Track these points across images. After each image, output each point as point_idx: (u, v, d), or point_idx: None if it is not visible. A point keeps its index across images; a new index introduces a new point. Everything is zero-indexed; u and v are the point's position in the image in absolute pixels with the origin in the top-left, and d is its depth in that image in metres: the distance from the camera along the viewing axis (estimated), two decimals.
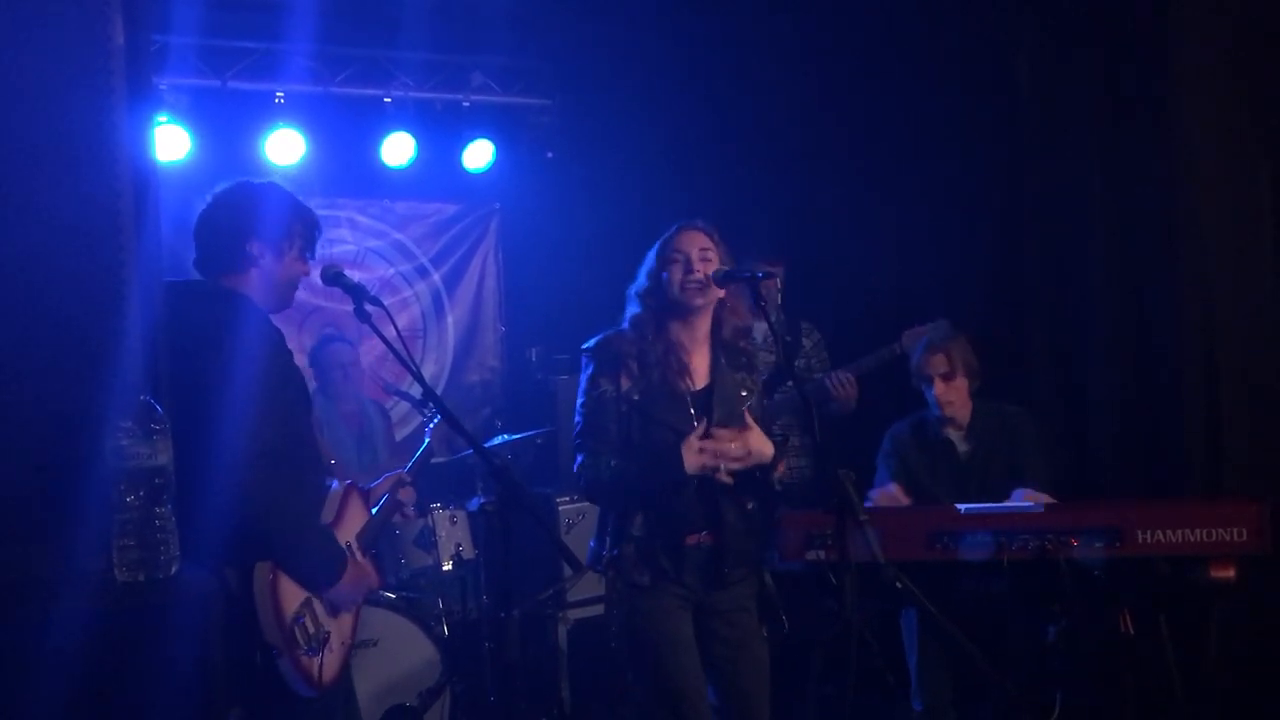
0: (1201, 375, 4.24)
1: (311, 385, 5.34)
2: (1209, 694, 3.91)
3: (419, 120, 6.21)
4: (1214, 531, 3.36)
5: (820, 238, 5.63)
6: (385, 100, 6.11)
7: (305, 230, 2.97)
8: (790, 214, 5.80)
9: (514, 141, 6.61)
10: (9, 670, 1.71)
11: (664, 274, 3.24)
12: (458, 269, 6.85)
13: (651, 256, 3.30)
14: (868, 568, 2.92)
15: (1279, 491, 3.62)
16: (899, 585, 3.00)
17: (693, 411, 3.20)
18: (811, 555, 3.46)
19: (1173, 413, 4.34)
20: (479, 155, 6.47)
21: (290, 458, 2.73)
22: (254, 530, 2.62)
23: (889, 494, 4.00)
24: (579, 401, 3.26)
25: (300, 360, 5.56)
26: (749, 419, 3.20)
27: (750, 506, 3.24)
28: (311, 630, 2.74)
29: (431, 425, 4.41)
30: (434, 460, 4.46)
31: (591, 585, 4.43)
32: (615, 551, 3.19)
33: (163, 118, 5.44)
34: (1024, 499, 3.78)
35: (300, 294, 3.05)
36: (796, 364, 5.03)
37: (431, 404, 4.08)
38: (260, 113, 5.86)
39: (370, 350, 5.85)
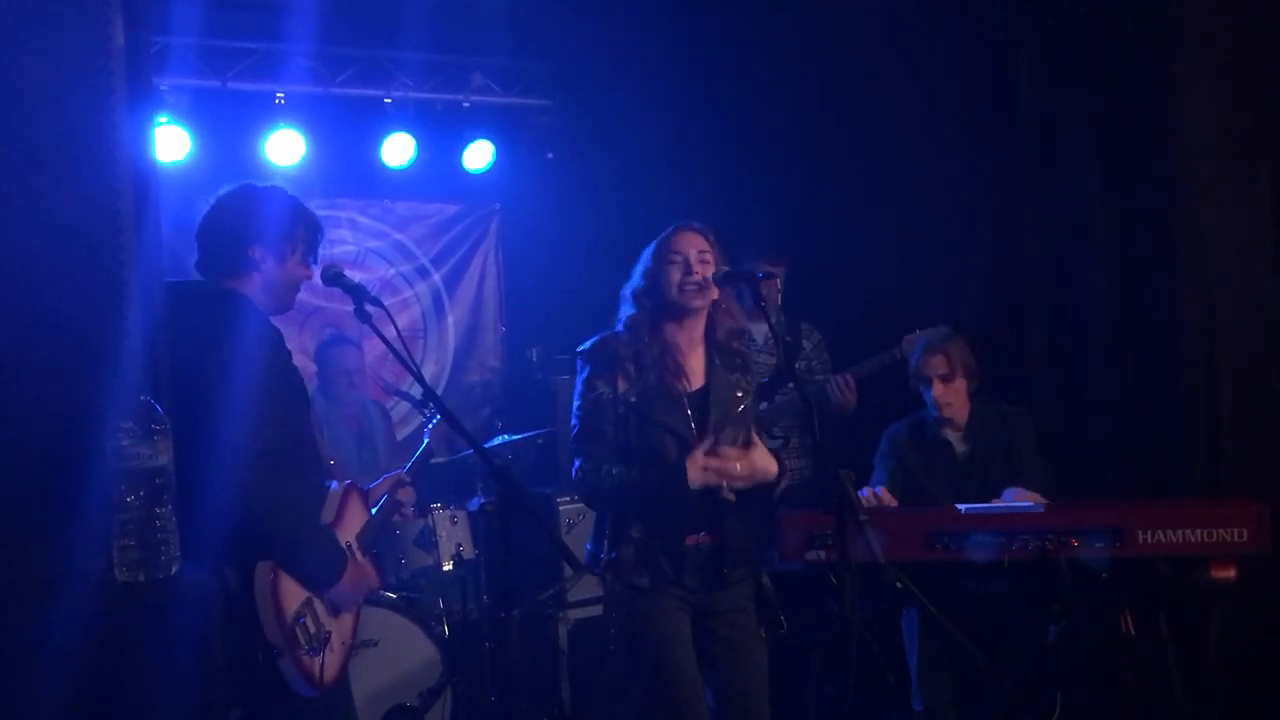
0: (1201, 375, 4.25)
1: (313, 385, 5.37)
2: (1209, 694, 3.91)
3: (419, 121, 6.21)
4: (1214, 532, 3.36)
5: (820, 238, 5.63)
6: (385, 101, 6.11)
7: (308, 235, 2.97)
8: (790, 214, 5.80)
9: (514, 142, 6.61)
10: (9, 670, 1.71)
11: (661, 274, 3.23)
12: (458, 269, 6.85)
13: (648, 256, 3.29)
14: (868, 568, 2.92)
15: (1279, 492, 3.62)
16: (899, 585, 3.00)
17: (689, 413, 3.20)
18: (812, 555, 3.46)
19: (1173, 413, 4.34)
20: (479, 156, 6.46)
21: (290, 458, 2.73)
22: (254, 530, 2.62)
23: (876, 495, 3.98)
24: (575, 405, 3.25)
25: (301, 360, 5.58)
26: (755, 437, 3.19)
27: (749, 508, 3.24)
28: (313, 630, 2.74)
29: (430, 425, 4.41)
30: (434, 460, 4.46)
31: (592, 585, 4.42)
32: (614, 554, 3.19)
33: (163, 118, 5.44)
34: (1015, 499, 3.78)
35: (301, 294, 3.06)
36: (797, 366, 5.03)
37: (432, 404, 4.08)
38: (260, 113, 5.86)
39: (370, 350, 5.85)
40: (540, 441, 5.33)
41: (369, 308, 2.98)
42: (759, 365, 5.11)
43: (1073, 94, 4.70)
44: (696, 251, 3.23)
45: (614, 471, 3.13)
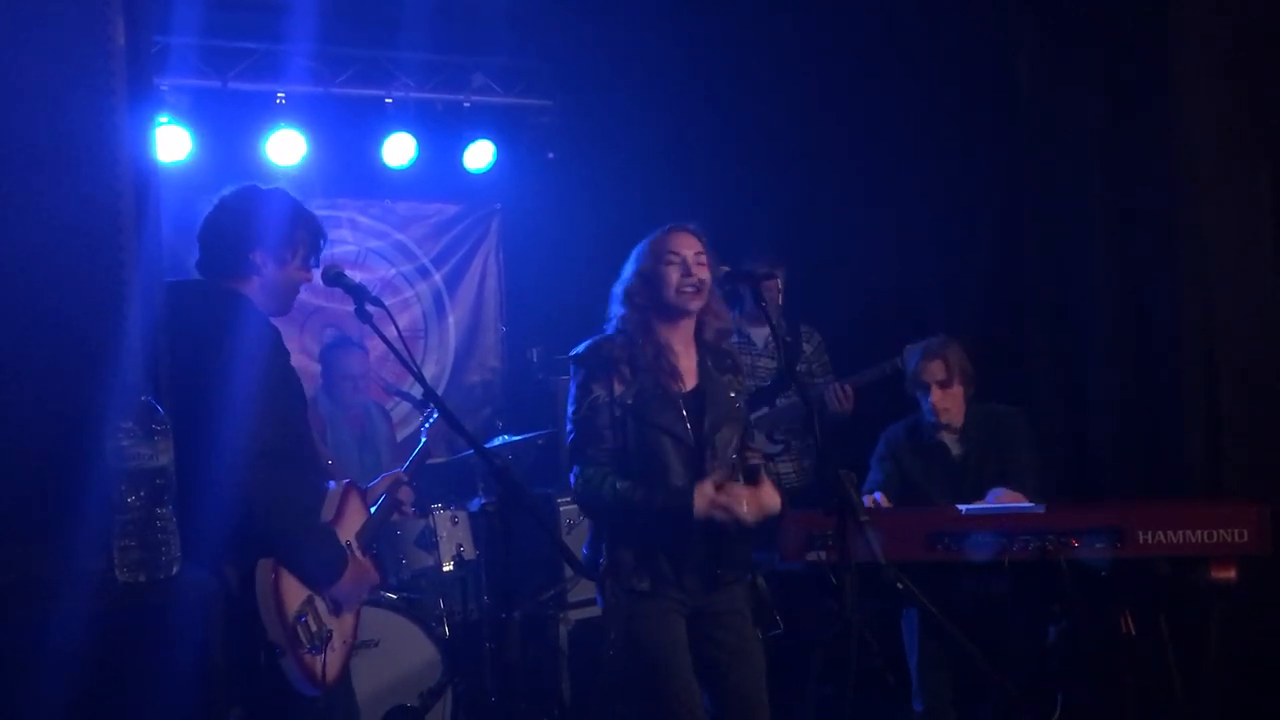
0: (1201, 375, 4.25)
1: (316, 385, 5.38)
2: (1209, 694, 3.91)
3: (420, 121, 6.21)
4: (1215, 532, 3.36)
5: (820, 238, 5.63)
6: (386, 101, 6.11)
7: (309, 238, 2.97)
8: (790, 214, 5.80)
9: (515, 142, 6.61)
10: (9, 670, 1.71)
11: (658, 275, 3.21)
12: (459, 269, 6.85)
13: (642, 256, 3.28)
14: (868, 568, 2.92)
15: (1279, 492, 3.62)
16: (900, 586, 3.00)
17: (685, 414, 3.20)
18: (812, 556, 3.47)
19: (1173, 413, 4.34)
20: (480, 156, 6.47)
21: (290, 457, 2.73)
22: (255, 529, 2.63)
23: (876, 501, 3.98)
24: (570, 410, 3.24)
25: (302, 361, 5.59)
26: (763, 477, 3.19)
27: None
28: (314, 629, 2.74)
29: (427, 425, 4.41)
30: (434, 461, 4.46)
31: (592, 586, 4.42)
32: (613, 558, 3.18)
33: (164, 118, 5.44)
34: (998, 499, 3.79)
35: (302, 295, 3.06)
36: (798, 368, 5.03)
37: (432, 405, 4.08)
38: (261, 113, 5.86)
39: (371, 351, 5.85)
40: (541, 442, 5.33)
41: (370, 308, 2.98)
42: (759, 369, 5.12)
43: (1073, 94, 4.70)
44: (693, 253, 3.22)
45: (617, 486, 3.11)
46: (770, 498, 3.17)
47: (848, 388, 4.85)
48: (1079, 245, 4.71)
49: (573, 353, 3.28)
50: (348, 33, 5.76)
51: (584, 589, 4.83)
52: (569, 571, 4.78)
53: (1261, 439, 4.15)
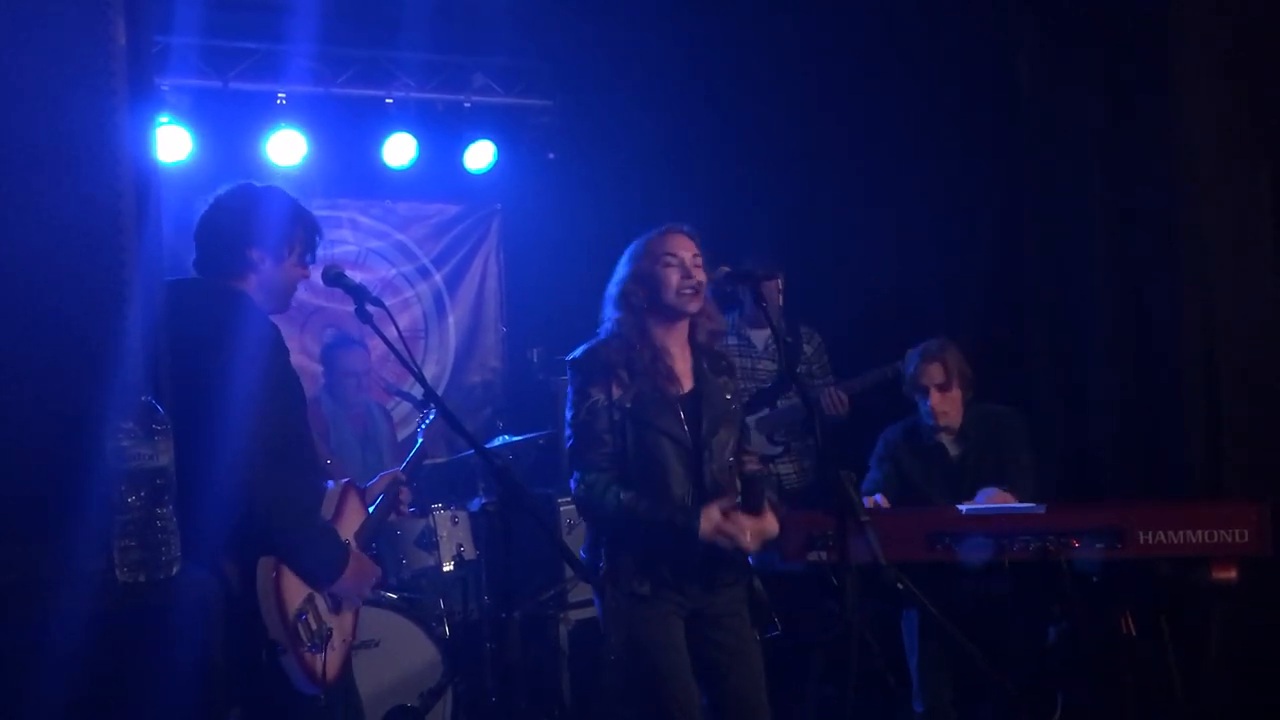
0: (1201, 375, 4.24)
1: (318, 385, 5.38)
2: (1209, 695, 3.91)
3: (420, 121, 6.21)
4: (1215, 533, 3.36)
5: (820, 238, 5.63)
6: (387, 101, 6.11)
7: (305, 235, 2.97)
8: (790, 214, 5.80)
9: (515, 142, 6.61)
10: (9, 670, 1.71)
11: (657, 276, 3.20)
12: (459, 270, 6.85)
13: (637, 257, 3.26)
14: (869, 569, 2.92)
15: (1279, 492, 3.62)
16: (900, 586, 3.00)
17: (682, 416, 3.19)
18: (813, 556, 3.47)
19: (1173, 413, 4.34)
20: (480, 156, 6.47)
21: (290, 456, 2.73)
22: (256, 528, 2.63)
23: (876, 504, 3.98)
24: (569, 416, 3.22)
25: (302, 361, 5.59)
26: (766, 508, 3.19)
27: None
28: (314, 627, 2.74)
29: (424, 426, 4.41)
30: (434, 461, 4.46)
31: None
32: (613, 563, 3.17)
33: (164, 118, 5.44)
34: (989, 500, 3.79)
35: (302, 295, 3.06)
36: (798, 369, 5.03)
37: (433, 405, 4.08)
38: (262, 113, 5.86)
39: (371, 351, 5.85)
40: (541, 442, 5.33)
41: (370, 308, 2.98)
42: (759, 372, 5.12)
43: (1073, 94, 4.70)
44: (691, 255, 3.22)
45: (621, 496, 3.10)
46: (771, 526, 3.18)
47: (842, 394, 4.85)
48: (1079, 245, 4.71)
49: (568, 358, 3.27)
50: (348, 33, 5.76)
51: (584, 589, 4.83)
52: (569, 572, 4.78)
53: (1261, 439, 4.15)
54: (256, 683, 2.67)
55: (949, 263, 5.11)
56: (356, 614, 3.03)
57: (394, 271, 6.65)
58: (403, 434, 5.93)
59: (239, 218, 2.88)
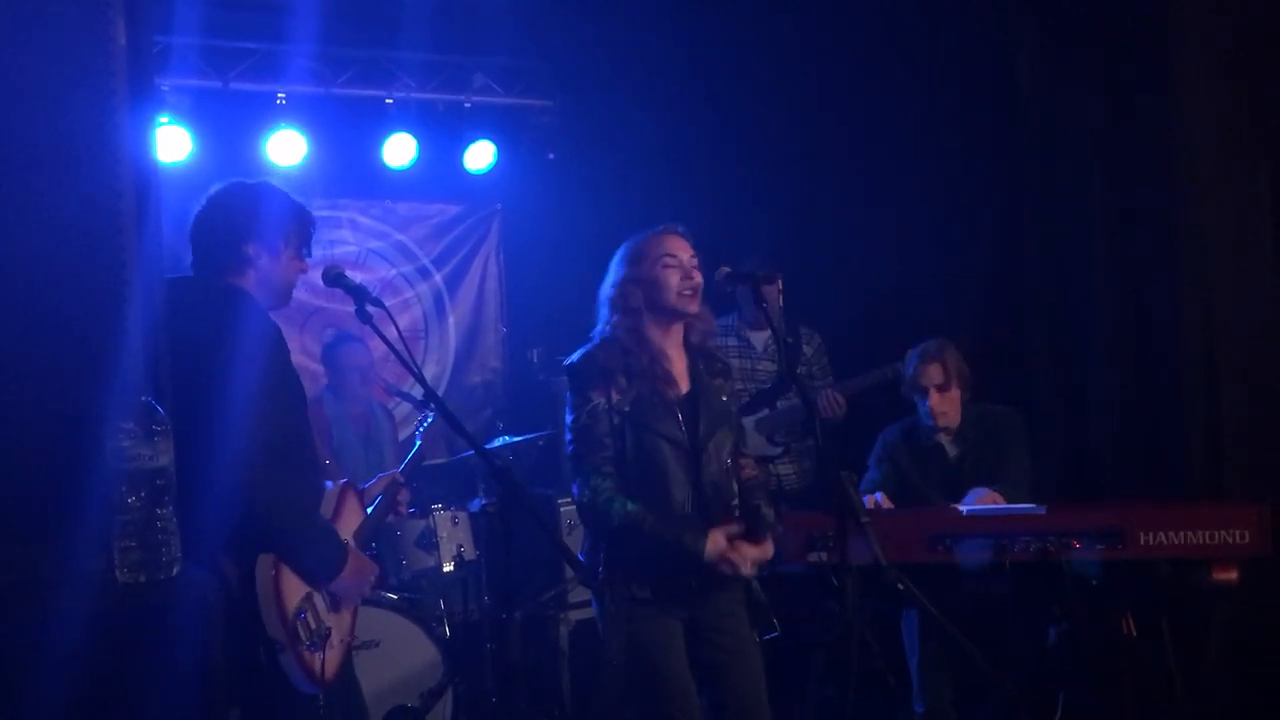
0: (1201, 375, 4.25)
1: (319, 385, 5.37)
2: (1210, 695, 3.91)
3: (420, 121, 6.21)
4: (1216, 534, 3.36)
5: (820, 238, 5.63)
6: (387, 101, 6.11)
7: (301, 229, 2.97)
8: (790, 215, 5.80)
9: (515, 142, 6.61)
10: (9, 670, 1.71)
11: (656, 278, 3.19)
12: (459, 270, 6.85)
13: (635, 258, 3.25)
14: (869, 569, 2.92)
15: (1279, 493, 3.62)
16: (901, 587, 3.00)
17: (681, 419, 3.19)
18: (813, 557, 3.47)
19: (1173, 413, 4.34)
20: (480, 156, 6.47)
21: (290, 455, 2.73)
22: (256, 527, 2.63)
23: (876, 503, 3.98)
24: (569, 420, 3.21)
25: (302, 361, 5.59)
26: (766, 536, 3.21)
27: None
28: (313, 626, 2.74)
29: (423, 427, 4.41)
30: (434, 461, 4.46)
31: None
32: (613, 567, 3.16)
33: (164, 118, 5.44)
34: (979, 500, 3.79)
35: (302, 295, 3.06)
36: (798, 370, 5.03)
37: (433, 405, 4.09)
38: (262, 113, 5.86)
39: (372, 351, 5.86)
40: (541, 443, 5.33)
41: (370, 308, 2.98)
42: (759, 373, 5.12)
43: (1073, 94, 4.70)
44: (689, 256, 3.21)
45: (628, 509, 3.08)
46: (768, 552, 3.20)
47: (839, 396, 4.85)
48: (1079, 245, 4.71)
49: (566, 363, 3.26)
50: (348, 33, 5.76)
51: (584, 590, 4.83)
52: (569, 572, 4.78)
53: (1261, 439, 4.15)
54: (256, 683, 2.67)
55: (949, 263, 5.11)
56: (355, 613, 3.03)
57: (394, 272, 6.65)
58: (403, 434, 5.93)
59: (233, 214, 2.88)
